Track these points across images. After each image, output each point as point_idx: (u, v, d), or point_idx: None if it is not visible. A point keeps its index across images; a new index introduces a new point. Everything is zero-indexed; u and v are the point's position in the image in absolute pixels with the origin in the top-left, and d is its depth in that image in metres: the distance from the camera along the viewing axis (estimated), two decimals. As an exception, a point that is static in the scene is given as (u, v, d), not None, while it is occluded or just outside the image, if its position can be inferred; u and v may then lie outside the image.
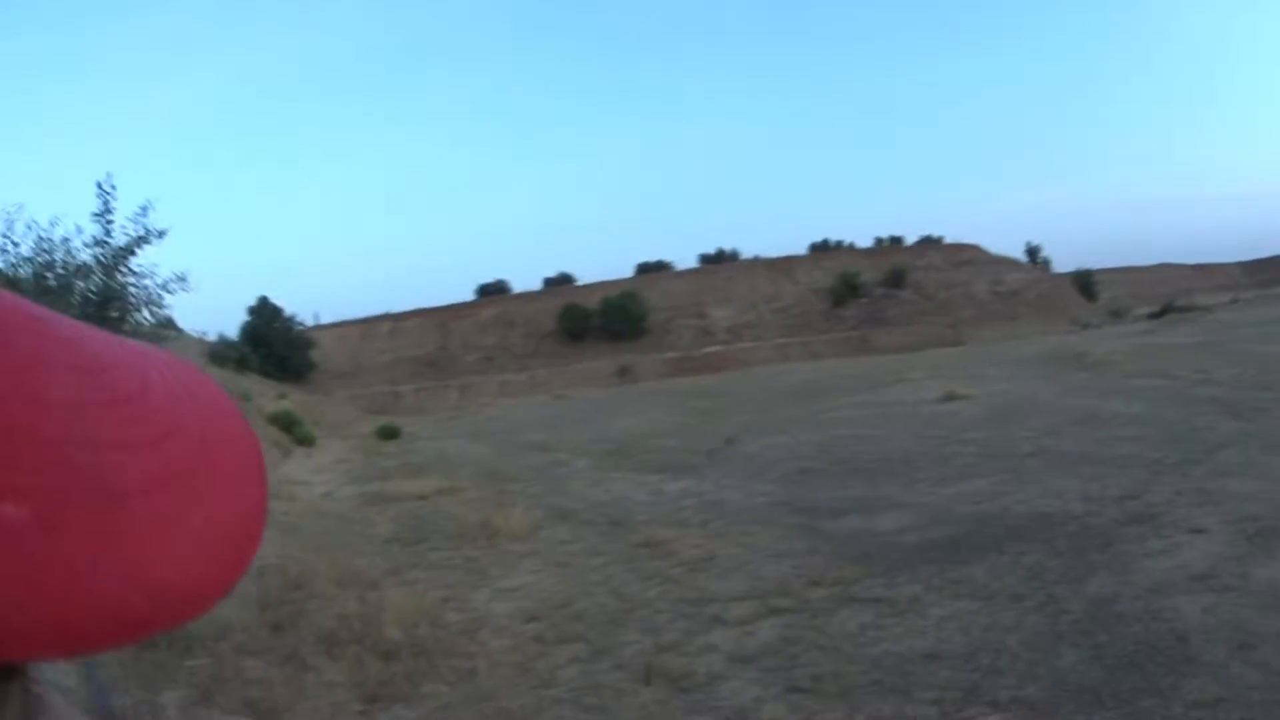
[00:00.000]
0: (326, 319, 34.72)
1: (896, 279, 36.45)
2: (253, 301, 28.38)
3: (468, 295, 37.67)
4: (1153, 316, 30.35)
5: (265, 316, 27.73)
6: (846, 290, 35.77)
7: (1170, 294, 43.72)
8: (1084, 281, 44.78)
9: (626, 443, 10.19)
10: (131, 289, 5.15)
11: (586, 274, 39.49)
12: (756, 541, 5.16)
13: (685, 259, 41.30)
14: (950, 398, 11.21)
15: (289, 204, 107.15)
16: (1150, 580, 4.40)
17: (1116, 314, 37.95)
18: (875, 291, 36.07)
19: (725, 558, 4.84)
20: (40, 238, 4.90)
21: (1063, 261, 47.62)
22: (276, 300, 28.99)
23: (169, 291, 5.30)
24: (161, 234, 5.02)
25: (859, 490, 6.60)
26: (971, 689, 3.30)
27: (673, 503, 6.44)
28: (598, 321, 32.62)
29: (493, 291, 37.67)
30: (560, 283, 38.29)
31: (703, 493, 6.70)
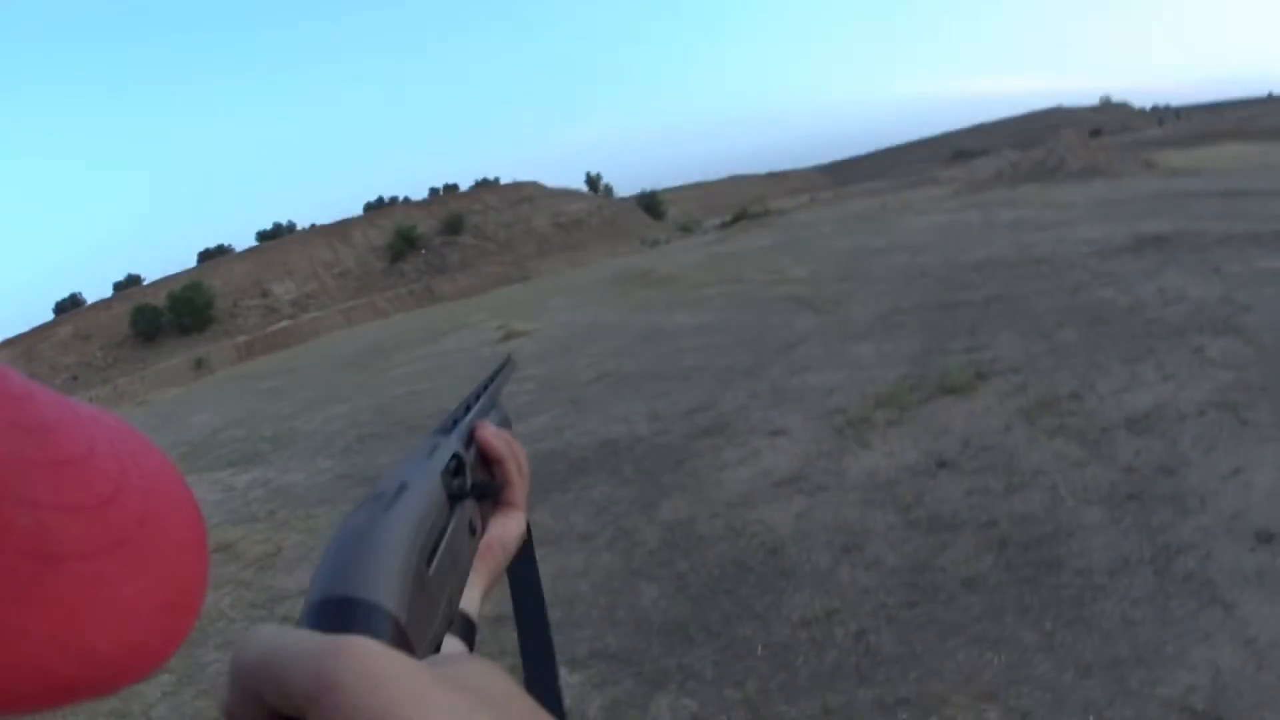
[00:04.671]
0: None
1: (454, 226, 54.90)
2: None
3: (47, 314, 54.48)
4: (724, 226, 42.49)
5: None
6: (404, 244, 53.13)
7: (744, 203, 61.89)
8: (649, 202, 65.75)
9: (200, 441, 13.86)
10: None
11: (153, 271, 56.35)
12: (319, 524, 6.98)
13: (244, 239, 60.52)
14: (510, 336, 15.93)
15: None
16: (730, 494, 5.43)
17: (686, 228, 54.49)
18: (434, 241, 53.62)
19: (290, 548, 6.53)
20: None
21: (627, 186, 70.01)
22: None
23: None
24: None
25: (417, 450, 8.92)
26: (547, 648, 3.88)
27: (242, 497, 8.84)
28: (168, 318, 47.45)
29: (68, 307, 54.84)
30: (129, 285, 56.27)
31: (269, 480, 9.21)
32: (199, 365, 38.67)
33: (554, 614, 3.70)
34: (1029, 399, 5.98)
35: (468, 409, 0.72)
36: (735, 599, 4.09)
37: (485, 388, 0.80)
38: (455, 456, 0.60)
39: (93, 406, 0.35)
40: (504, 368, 0.88)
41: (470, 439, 0.68)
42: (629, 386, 8.99)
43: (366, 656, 0.35)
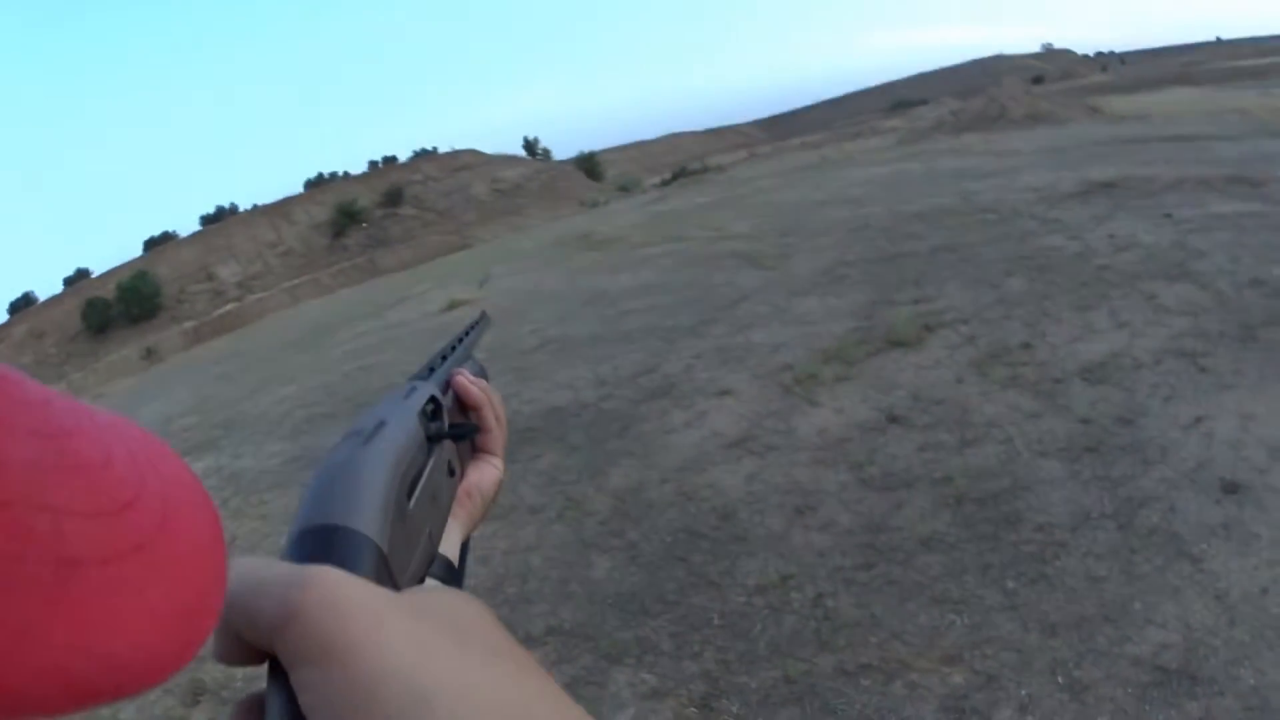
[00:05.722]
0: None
1: (394, 197, 57.21)
2: None
3: (1, 316, 56.82)
4: (664, 184, 42.87)
5: None
6: (346, 219, 55.27)
7: (683, 160, 63.47)
8: (588, 164, 67.89)
9: (153, 431, 13.03)
10: None
11: (102, 263, 58.05)
12: (272, 510, 7.00)
13: (188, 223, 63.58)
14: (453, 306, 16.13)
15: None
16: (679, 458, 5.36)
17: (626, 188, 55.65)
18: (375, 214, 56.08)
19: (245, 537, 6.55)
20: None
21: (565, 149, 73.85)
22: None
23: None
24: None
25: (367, 429, 9.16)
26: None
27: (196, 488, 8.65)
28: (118, 309, 48.88)
29: (21, 306, 56.89)
30: (79, 279, 57.92)
31: (222, 467, 9.23)
32: (149, 354, 39.42)
33: (508, 590, 3.85)
34: (979, 350, 5.97)
35: (444, 358, 0.73)
36: (689, 567, 4.06)
37: (461, 340, 0.81)
38: (432, 399, 0.61)
39: (109, 412, 0.35)
40: (480, 322, 0.92)
41: (447, 385, 0.70)
42: (573, 352, 8.95)
43: (330, 584, 0.37)
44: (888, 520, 4.09)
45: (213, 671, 4.41)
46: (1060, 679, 2.81)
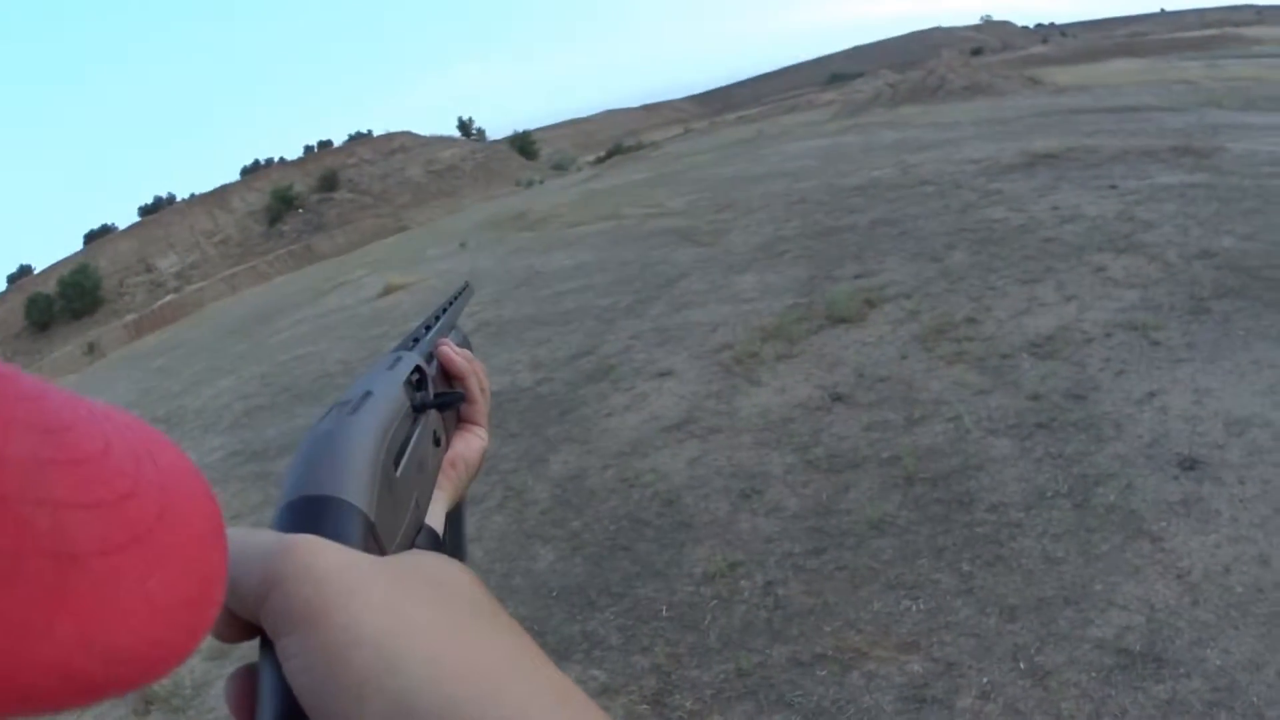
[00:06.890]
0: None
1: (330, 182, 58.84)
2: None
3: None
4: (598, 161, 43.54)
5: None
6: (282, 205, 56.55)
7: (618, 137, 65.06)
8: (522, 143, 69.92)
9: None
10: None
11: (44, 259, 59.68)
12: None
13: (127, 215, 66.21)
14: (389, 291, 16.28)
15: None
16: (619, 443, 5.28)
17: (560, 166, 58.13)
18: (311, 199, 57.45)
19: None
20: None
21: (499, 129, 77.42)
22: None
23: None
24: None
25: (305, 419, 9.14)
26: (445, 624, 3.97)
27: (132, 483, 8.93)
28: (60, 305, 50.21)
29: None
30: (22, 275, 59.20)
31: None
32: (91, 349, 40.72)
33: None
34: (923, 325, 5.96)
35: (428, 329, 0.75)
36: (634, 556, 4.00)
37: (444, 310, 0.83)
38: (417, 369, 0.63)
39: (105, 404, 0.36)
40: (463, 292, 0.93)
41: (431, 355, 0.71)
42: (509, 335, 8.93)
43: (308, 551, 0.38)
44: (836, 503, 4.05)
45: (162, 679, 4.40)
46: (1022, 664, 2.77)
